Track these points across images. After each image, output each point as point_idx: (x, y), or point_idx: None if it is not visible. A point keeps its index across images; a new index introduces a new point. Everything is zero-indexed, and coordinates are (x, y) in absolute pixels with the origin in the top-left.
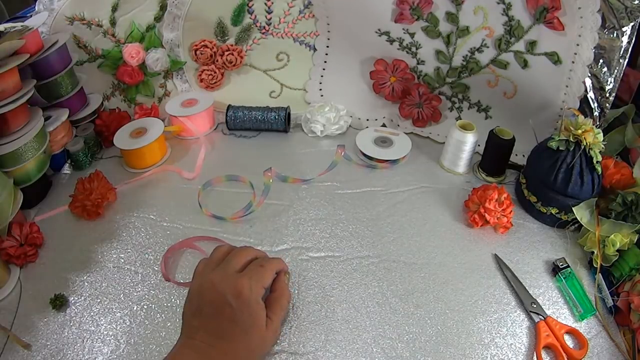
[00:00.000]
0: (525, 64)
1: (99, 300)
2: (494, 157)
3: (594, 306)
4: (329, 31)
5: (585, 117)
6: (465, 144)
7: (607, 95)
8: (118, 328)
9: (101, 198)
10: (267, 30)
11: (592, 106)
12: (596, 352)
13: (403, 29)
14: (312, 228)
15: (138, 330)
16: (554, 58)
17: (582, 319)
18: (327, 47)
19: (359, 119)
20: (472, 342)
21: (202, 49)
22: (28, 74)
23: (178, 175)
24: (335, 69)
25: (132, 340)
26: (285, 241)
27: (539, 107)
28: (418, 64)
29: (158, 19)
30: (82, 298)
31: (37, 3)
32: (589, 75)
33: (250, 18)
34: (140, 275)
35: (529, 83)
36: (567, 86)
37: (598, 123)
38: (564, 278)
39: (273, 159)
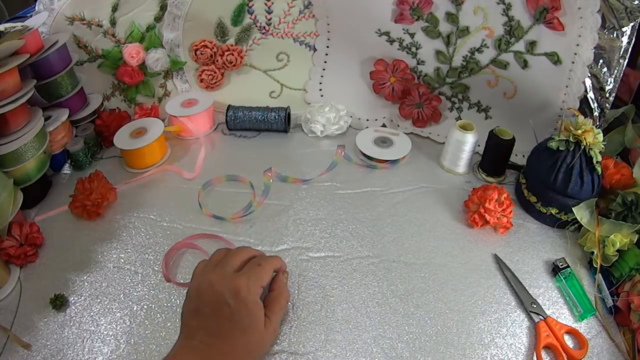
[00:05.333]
0: (525, 64)
1: (99, 300)
2: (494, 157)
3: (594, 306)
4: (329, 31)
5: (585, 117)
6: (465, 144)
7: (607, 95)
8: (118, 328)
9: (101, 198)
10: (267, 31)
11: (592, 106)
12: (596, 352)
13: (403, 29)
14: (312, 228)
15: (138, 330)
16: (554, 58)
17: (582, 319)
18: (327, 47)
19: (359, 119)
20: (472, 342)
21: (202, 49)
22: (28, 74)
23: (178, 175)
24: (335, 69)
25: (132, 340)
26: (285, 241)
27: (539, 107)
28: (418, 64)
29: (158, 19)
30: (82, 298)
31: (37, 3)
32: (589, 75)
33: (250, 18)
34: (140, 275)
35: (529, 83)
36: (567, 86)
37: (598, 123)
38: (564, 278)
39: (273, 159)
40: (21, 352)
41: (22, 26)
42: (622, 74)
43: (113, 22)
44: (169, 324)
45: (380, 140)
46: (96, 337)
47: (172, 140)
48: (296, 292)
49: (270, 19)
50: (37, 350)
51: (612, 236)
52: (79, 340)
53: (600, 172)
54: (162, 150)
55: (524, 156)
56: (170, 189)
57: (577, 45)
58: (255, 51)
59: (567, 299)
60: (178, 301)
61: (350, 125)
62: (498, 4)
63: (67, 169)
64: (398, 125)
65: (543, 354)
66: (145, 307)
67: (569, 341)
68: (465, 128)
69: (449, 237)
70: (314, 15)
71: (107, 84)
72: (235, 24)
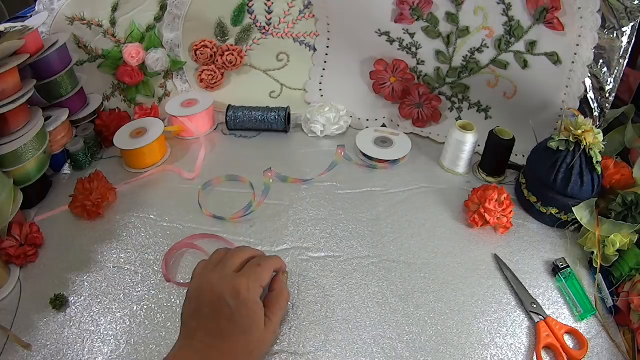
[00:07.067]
0: (525, 64)
1: (99, 300)
2: (494, 157)
3: (594, 306)
4: (329, 31)
5: (585, 117)
6: (465, 144)
7: (607, 95)
8: (118, 328)
9: (101, 198)
10: (267, 31)
11: (592, 106)
12: (596, 352)
13: (403, 29)
14: (312, 228)
15: (138, 330)
16: (554, 58)
17: (582, 319)
18: (327, 47)
19: (359, 119)
20: (472, 342)
21: (202, 49)
22: (28, 74)
23: (178, 175)
24: (335, 69)
25: (132, 340)
26: (285, 241)
27: (539, 107)
28: (418, 64)
29: (158, 19)
30: (82, 298)
31: (37, 3)
32: (589, 75)
33: (250, 18)
34: (140, 275)
35: (529, 83)
36: (567, 86)
37: (598, 123)
38: (564, 278)
39: (273, 159)
40: (21, 352)
41: (22, 26)
42: (622, 74)
43: (113, 22)
44: (169, 324)
45: (380, 140)
46: (96, 337)
47: (172, 140)
48: (296, 292)
49: (270, 19)
50: (37, 350)
51: (612, 236)
52: (79, 340)
53: (600, 172)
54: (162, 150)
55: (524, 156)
56: (170, 189)
57: (577, 45)
58: (255, 51)
59: (567, 299)
60: (178, 301)
61: (350, 125)
62: (498, 4)
63: (67, 169)
64: (398, 125)
65: (543, 354)
66: (145, 307)
67: (569, 341)
68: (465, 128)
69: (449, 237)
70: (314, 15)
71: (107, 84)
72: (235, 24)
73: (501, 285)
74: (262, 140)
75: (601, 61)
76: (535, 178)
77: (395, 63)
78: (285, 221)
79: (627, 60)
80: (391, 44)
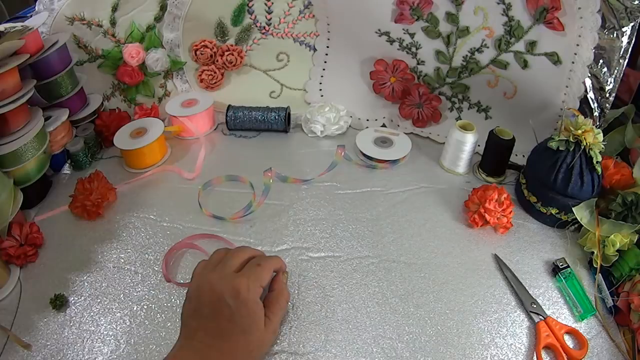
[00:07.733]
0: (525, 64)
1: (99, 300)
2: (494, 157)
3: (594, 306)
4: (329, 31)
5: (585, 117)
6: (465, 144)
7: (607, 95)
8: (118, 328)
9: (101, 198)
10: (267, 31)
11: (592, 106)
12: (596, 352)
13: (403, 29)
14: (312, 228)
15: (138, 330)
16: (554, 58)
17: (582, 319)
18: (327, 47)
19: (359, 119)
20: (472, 342)
21: (202, 49)
22: (28, 74)
23: (178, 175)
24: (335, 69)
25: (132, 340)
26: (285, 241)
27: (539, 107)
28: (418, 64)
29: (158, 19)
30: (82, 298)
31: (37, 3)
32: (589, 75)
33: (250, 18)
34: (140, 275)
35: (529, 83)
36: (567, 86)
37: (598, 123)
38: (564, 278)
39: (273, 159)
40: (21, 352)
41: (22, 26)
42: (622, 74)
43: (113, 22)
44: (169, 324)
45: (380, 140)
46: (96, 337)
47: (172, 140)
48: (296, 292)
49: (270, 19)
50: (37, 350)
51: (612, 236)
52: (79, 340)
53: (600, 172)
54: (162, 150)
55: (524, 156)
56: (170, 189)
57: (577, 45)
58: (255, 51)
59: (567, 299)
60: (178, 301)
61: (350, 125)
62: (498, 4)
63: (67, 169)
64: (398, 125)
65: (543, 354)
66: (145, 307)
67: (569, 341)
68: (465, 128)
69: (449, 237)
70: (314, 15)
71: (107, 84)
72: (235, 24)
73: (501, 285)
74: (262, 140)
75: (601, 61)
76: (535, 178)
77: (395, 63)
78: (285, 221)
79: (627, 60)
80: (391, 44)
